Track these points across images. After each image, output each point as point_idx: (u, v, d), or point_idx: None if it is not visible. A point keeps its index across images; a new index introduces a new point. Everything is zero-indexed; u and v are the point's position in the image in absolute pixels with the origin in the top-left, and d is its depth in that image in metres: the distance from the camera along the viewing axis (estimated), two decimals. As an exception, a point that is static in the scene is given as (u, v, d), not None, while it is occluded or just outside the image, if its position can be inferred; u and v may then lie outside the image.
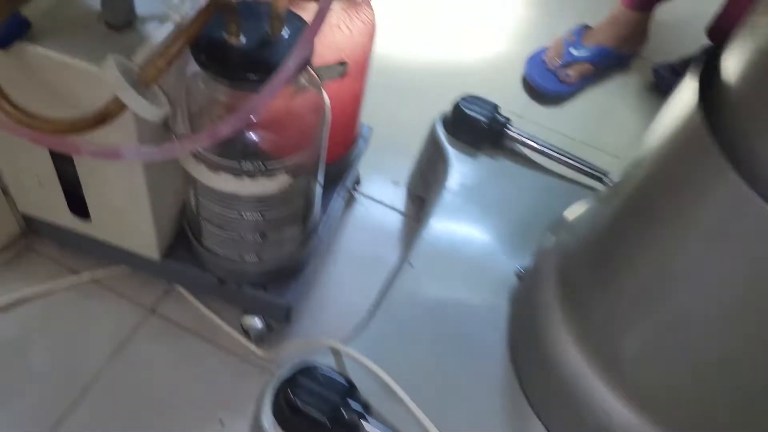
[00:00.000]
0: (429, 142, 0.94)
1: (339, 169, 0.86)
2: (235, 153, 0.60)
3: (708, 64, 0.50)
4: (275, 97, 0.56)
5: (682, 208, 0.48)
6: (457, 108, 0.90)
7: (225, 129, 0.54)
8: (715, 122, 0.45)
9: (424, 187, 0.94)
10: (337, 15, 0.69)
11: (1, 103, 0.52)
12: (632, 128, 1.20)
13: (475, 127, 0.89)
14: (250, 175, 0.61)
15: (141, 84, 0.50)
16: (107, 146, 0.55)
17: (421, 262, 0.77)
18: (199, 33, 0.55)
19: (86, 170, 0.67)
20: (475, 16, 1.36)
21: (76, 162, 0.66)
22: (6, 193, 0.75)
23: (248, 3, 0.61)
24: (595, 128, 1.18)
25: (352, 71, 0.73)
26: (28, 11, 0.56)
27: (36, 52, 0.55)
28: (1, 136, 0.66)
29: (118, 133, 0.59)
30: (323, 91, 0.65)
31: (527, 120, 1.16)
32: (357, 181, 0.99)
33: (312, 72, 0.64)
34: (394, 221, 0.98)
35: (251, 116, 0.54)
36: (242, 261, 0.71)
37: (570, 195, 0.82)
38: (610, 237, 0.61)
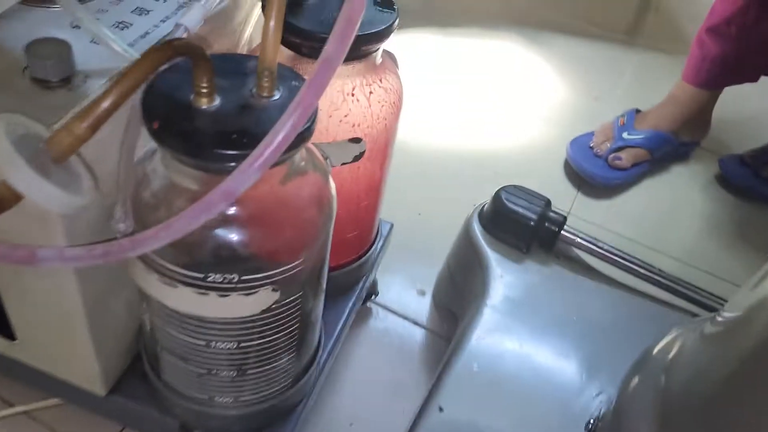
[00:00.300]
0: (462, 242, 0.76)
1: (351, 276, 0.68)
2: (201, 259, 0.43)
3: None
4: (257, 183, 0.40)
5: None
6: (498, 200, 0.73)
7: (179, 228, 0.37)
8: None
9: (455, 299, 0.76)
10: (352, 81, 0.53)
11: None
12: (700, 228, 1.02)
13: (521, 226, 0.72)
14: (220, 291, 0.43)
15: (51, 160, 0.33)
16: (19, 248, 0.39)
17: (453, 404, 0.58)
18: (153, 92, 0.40)
19: (5, 279, 0.50)
20: (512, 98, 1.21)
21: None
22: None
23: (227, 56, 0.45)
24: (654, 228, 1.00)
25: (370, 153, 0.56)
26: None
27: None
28: None
29: (41, 229, 0.43)
30: (329, 177, 0.48)
31: (573, 216, 0.98)
32: (375, 290, 0.80)
33: (315, 151, 0.48)
34: (418, 339, 0.79)
35: (219, 209, 0.37)
36: (212, 403, 0.53)
37: (650, 316, 0.63)
38: (734, 395, 0.42)
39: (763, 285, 0.41)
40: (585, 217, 0.99)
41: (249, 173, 0.36)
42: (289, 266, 0.44)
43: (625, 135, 1.05)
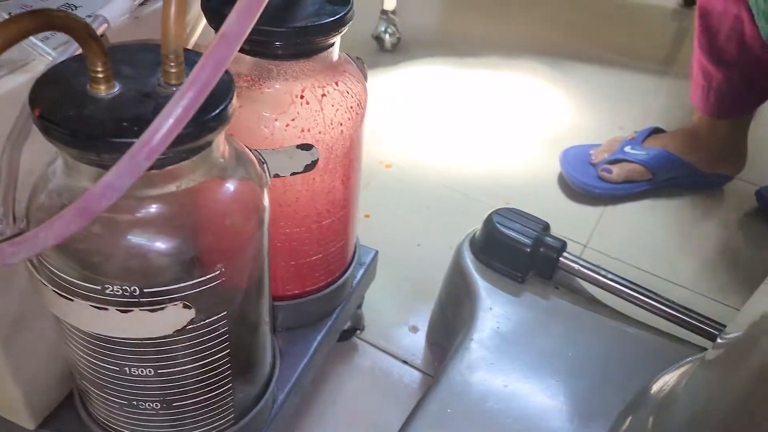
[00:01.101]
0: (453, 272, 0.69)
1: (321, 305, 0.62)
2: (102, 268, 0.37)
3: None
4: (159, 180, 0.35)
5: None
6: (489, 225, 0.66)
7: (61, 227, 0.32)
8: None
9: (446, 335, 0.69)
10: (301, 82, 0.48)
11: None
12: (737, 264, 0.92)
13: (516, 252, 0.64)
14: (121, 305, 0.38)
15: None
16: None
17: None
18: (45, 78, 0.35)
19: None
20: (531, 128, 1.15)
21: None
22: None
23: (139, 44, 0.41)
24: (677, 263, 0.91)
25: (326, 162, 0.51)
26: None
27: None
28: None
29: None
30: (263, 185, 0.43)
31: (591, 248, 0.90)
32: (359, 325, 0.74)
33: (246, 153, 0.43)
34: (409, 380, 0.72)
35: (103, 206, 0.32)
36: (142, 440, 0.47)
37: (657, 353, 0.55)
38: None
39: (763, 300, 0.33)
40: (596, 247, 0.90)
41: (131, 166, 0.31)
42: (202, 279, 0.38)
43: (627, 149, 0.98)
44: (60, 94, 0.35)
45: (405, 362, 0.73)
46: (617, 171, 0.97)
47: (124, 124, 0.34)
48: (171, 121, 0.31)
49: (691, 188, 1.01)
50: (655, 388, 0.44)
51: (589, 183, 0.97)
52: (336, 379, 0.70)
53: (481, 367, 0.57)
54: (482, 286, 0.64)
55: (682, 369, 0.43)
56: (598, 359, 0.58)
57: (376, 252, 0.69)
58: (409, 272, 0.83)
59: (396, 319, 0.77)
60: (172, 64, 0.36)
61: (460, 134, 1.11)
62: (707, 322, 0.60)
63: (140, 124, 0.33)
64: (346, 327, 0.71)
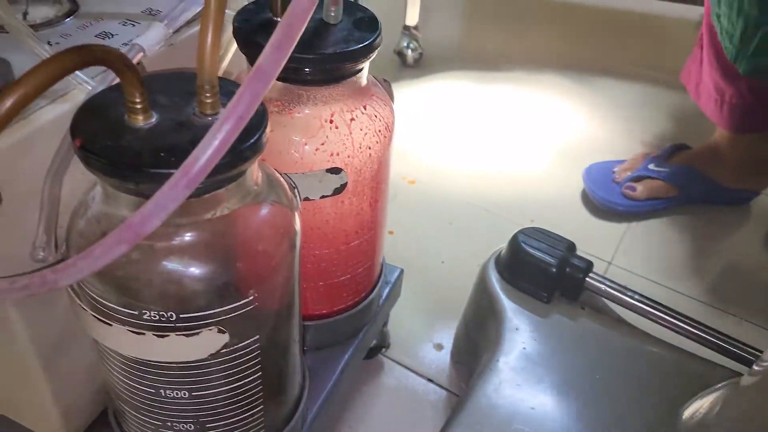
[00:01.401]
0: (478, 291, 0.69)
1: (349, 324, 0.62)
2: (140, 294, 0.38)
3: None
4: (196, 208, 0.36)
5: None
6: (515, 244, 0.66)
7: (102, 254, 0.33)
8: None
9: (470, 354, 0.69)
10: (330, 107, 0.49)
11: None
12: (766, 282, 0.91)
13: (542, 272, 0.64)
14: (158, 330, 0.38)
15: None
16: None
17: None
18: (85, 109, 0.37)
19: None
20: (554, 143, 1.15)
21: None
22: None
23: (174, 73, 0.42)
24: (702, 279, 0.90)
25: (355, 185, 0.52)
26: None
27: None
28: None
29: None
30: (295, 209, 0.44)
31: (615, 266, 0.90)
32: (385, 342, 0.74)
33: (278, 178, 0.44)
34: (433, 398, 0.72)
35: (144, 233, 0.33)
36: (175, 460, 0.47)
37: (687, 376, 0.54)
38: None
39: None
40: (626, 267, 0.90)
41: (171, 195, 0.32)
42: (236, 304, 0.39)
43: (650, 166, 0.97)
44: (99, 124, 0.36)
45: (430, 380, 0.73)
46: (641, 189, 0.96)
47: (162, 154, 0.35)
48: (209, 152, 0.32)
49: (717, 204, 1.01)
50: (687, 414, 0.44)
51: (612, 200, 0.97)
52: (362, 397, 0.70)
53: (508, 388, 0.58)
54: (508, 306, 0.64)
55: (715, 395, 0.43)
56: (626, 382, 0.58)
57: (401, 270, 0.70)
58: (433, 289, 0.83)
59: (420, 336, 0.78)
60: (208, 94, 0.37)
61: (482, 150, 1.12)
62: (740, 345, 0.59)
63: (178, 154, 0.34)
64: (372, 345, 0.71)
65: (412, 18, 1.30)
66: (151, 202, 0.32)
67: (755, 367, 0.38)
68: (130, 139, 0.35)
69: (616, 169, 1.01)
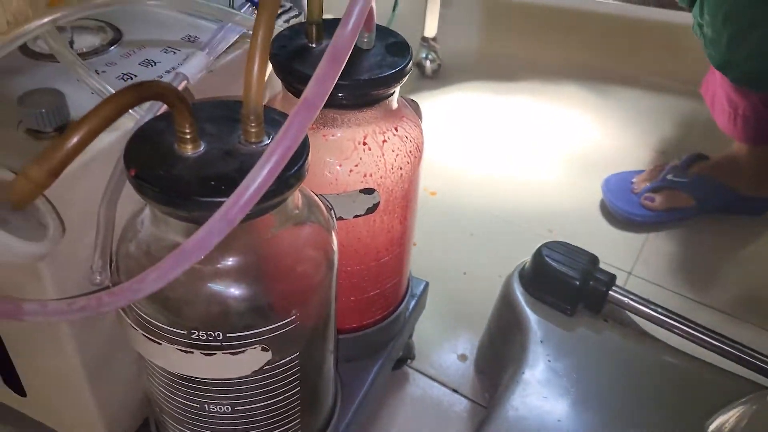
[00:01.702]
0: (502, 304, 0.71)
1: (378, 338, 0.64)
2: (188, 315, 0.40)
3: None
4: (243, 233, 0.37)
5: None
6: (539, 258, 0.67)
7: (154, 280, 0.35)
8: None
9: (495, 365, 0.70)
10: (363, 129, 0.51)
11: None
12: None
13: (565, 286, 0.66)
14: (205, 349, 0.40)
15: (11, 204, 0.32)
16: (6, 301, 0.38)
17: (481, 483, 0.52)
18: (137, 139, 0.38)
19: (8, 331, 0.49)
20: (572, 153, 1.16)
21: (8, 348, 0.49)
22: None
23: (220, 102, 0.44)
24: (722, 289, 0.91)
25: (386, 204, 0.53)
26: None
27: None
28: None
29: (29, 280, 0.42)
30: (332, 229, 0.45)
31: (635, 276, 0.91)
32: (411, 354, 0.76)
33: (315, 200, 0.45)
34: (457, 407, 0.73)
35: (195, 259, 0.35)
36: (216, 471, 0.49)
37: (711, 388, 0.56)
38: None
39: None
40: (646, 277, 0.91)
41: (222, 223, 0.34)
42: (279, 323, 0.41)
43: (669, 176, 0.98)
44: (151, 154, 0.38)
45: (455, 391, 0.75)
46: (660, 199, 0.97)
47: (212, 183, 0.36)
48: (259, 181, 0.34)
49: (736, 214, 1.01)
50: (712, 428, 0.45)
51: (631, 211, 0.98)
52: (389, 407, 0.72)
53: (535, 400, 0.59)
54: (533, 318, 0.66)
55: (741, 408, 0.44)
56: (650, 395, 0.59)
57: (427, 283, 0.71)
58: (456, 300, 0.85)
59: (445, 347, 0.79)
60: (253, 124, 0.39)
61: (501, 161, 1.13)
62: (762, 357, 0.60)
63: (226, 183, 0.36)
64: (398, 356, 0.73)
65: (431, 30, 1.32)
66: (204, 228, 0.34)
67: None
68: (180, 167, 0.37)
69: (634, 180, 1.02)
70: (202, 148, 0.39)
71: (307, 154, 0.39)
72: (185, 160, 0.38)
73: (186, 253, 0.35)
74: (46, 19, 0.42)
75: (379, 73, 0.48)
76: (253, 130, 0.39)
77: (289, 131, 0.35)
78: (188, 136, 0.38)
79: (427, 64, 1.33)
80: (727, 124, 0.95)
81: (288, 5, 0.61)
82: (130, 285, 0.36)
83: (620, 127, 1.23)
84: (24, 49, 0.50)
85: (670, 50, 1.48)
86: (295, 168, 0.38)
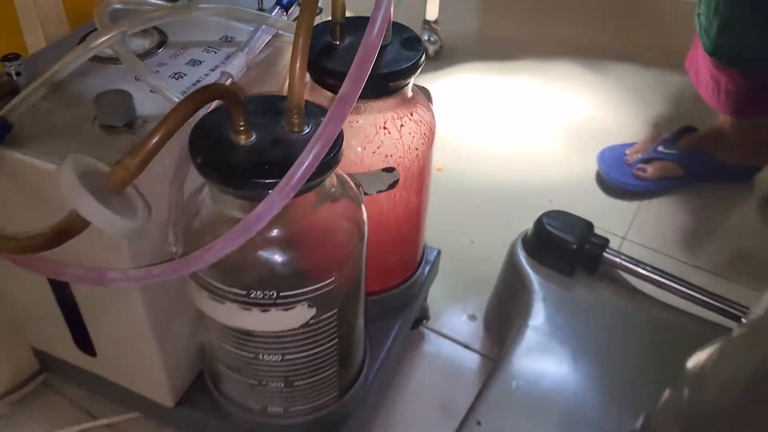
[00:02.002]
0: (508, 267, 0.78)
1: (399, 298, 0.72)
2: (246, 278, 0.48)
3: None
4: (290, 208, 0.45)
5: None
6: (540, 226, 0.75)
7: (221, 249, 0.43)
8: None
9: (502, 323, 0.78)
10: (384, 115, 0.58)
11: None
12: (760, 251, 1.00)
13: (564, 250, 0.74)
14: (261, 306, 0.48)
15: (108, 190, 0.40)
16: (93, 270, 0.45)
17: (491, 419, 0.60)
18: (199, 130, 0.46)
19: (84, 299, 0.57)
20: (569, 127, 1.23)
21: (72, 288, 0.56)
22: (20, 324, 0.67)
23: (264, 97, 0.51)
24: (709, 251, 0.99)
25: (404, 181, 0.61)
26: (16, 116, 0.48)
27: (13, 157, 0.46)
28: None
29: (111, 254, 0.49)
30: (362, 203, 0.53)
31: (629, 241, 0.99)
32: (426, 315, 0.84)
33: (347, 179, 0.53)
34: (469, 362, 0.81)
35: (254, 231, 0.42)
36: (266, 413, 0.57)
37: (694, 336, 0.63)
38: (750, 401, 0.42)
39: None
40: (640, 242, 0.99)
41: (277, 200, 0.42)
42: (322, 284, 0.49)
43: (660, 148, 1.06)
44: (211, 144, 0.45)
45: (466, 347, 0.83)
46: (651, 170, 1.05)
47: (266, 167, 0.44)
48: (306, 164, 0.42)
49: (722, 181, 1.09)
50: (690, 364, 0.53)
51: (624, 181, 1.05)
52: (408, 362, 0.80)
53: (537, 350, 0.67)
54: (535, 280, 0.73)
55: (713, 347, 0.52)
56: (640, 342, 0.67)
57: (439, 251, 0.79)
58: (465, 267, 0.93)
59: (456, 309, 0.87)
60: (296, 117, 0.46)
61: (503, 136, 1.20)
62: (733, 305, 0.68)
63: (278, 167, 0.43)
64: (415, 317, 0.81)
65: (432, 13, 1.38)
66: (262, 205, 0.42)
67: (743, 320, 0.47)
68: (238, 155, 0.45)
69: (627, 152, 1.09)
70: (253, 137, 0.46)
71: (342, 142, 0.47)
72: (241, 148, 0.45)
73: (248, 225, 0.42)
74: (115, 32, 0.49)
75: (396, 67, 0.55)
76: (296, 121, 0.46)
77: (330, 123, 0.42)
78: (242, 128, 0.45)
79: (429, 45, 1.39)
80: (712, 98, 1.02)
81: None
82: (201, 253, 0.44)
83: (614, 101, 1.30)
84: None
85: (663, 25, 1.54)
86: (334, 153, 0.45)
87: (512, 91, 1.33)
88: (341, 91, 0.42)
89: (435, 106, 0.61)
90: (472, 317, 0.86)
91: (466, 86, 1.33)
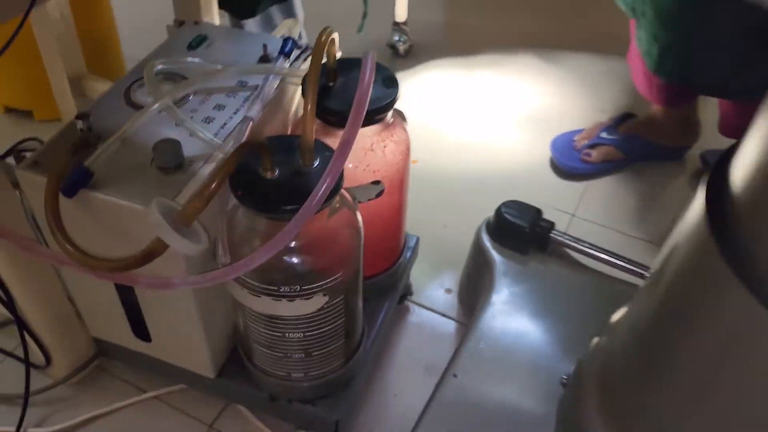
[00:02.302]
0: (475, 249, 0.95)
1: (387, 280, 0.88)
2: (275, 277, 0.64)
3: (719, 169, 0.50)
4: (308, 224, 0.60)
5: (699, 318, 0.47)
6: (499, 214, 0.92)
7: (259, 258, 0.58)
8: (723, 232, 0.45)
9: (473, 295, 0.95)
10: (371, 139, 0.74)
11: (65, 247, 0.59)
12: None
13: (519, 233, 0.90)
14: (288, 297, 0.64)
15: (181, 223, 0.55)
16: (160, 278, 0.61)
17: (465, 372, 0.77)
18: (235, 170, 0.61)
19: (145, 298, 0.72)
20: (528, 118, 1.39)
21: (136, 291, 0.72)
22: (80, 318, 0.82)
23: (280, 137, 0.66)
24: (648, 223, 1.17)
25: (389, 188, 0.76)
26: (94, 165, 0.63)
27: (97, 198, 0.61)
28: (73, 270, 0.73)
29: (169, 265, 0.65)
30: (357, 211, 0.69)
31: (579, 218, 1.16)
32: (409, 291, 1.01)
33: (346, 194, 0.69)
34: (447, 328, 0.99)
35: (285, 244, 0.58)
36: (290, 378, 0.74)
37: (623, 297, 0.81)
38: (645, 341, 0.59)
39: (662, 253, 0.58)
40: (588, 218, 1.16)
41: (300, 220, 0.57)
42: (333, 278, 0.65)
43: (602, 134, 1.23)
44: (245, 179, 0.61)
45: (444, 315, 1.00)
46: (596, 154, 1.22)
47: (289, 196, 0.59)
48: (321, 192, 0.57)
49: (658, 160, 1.26)
50: (612, 318, 0.70)
51: (573, 165, 1.22)
52: (397, 331, 0.97)
53: (500, 316, 0.84)
54: (497, 259, 0.90)
55: (628, 302, 0.69)
56: (582, 304, 0.84)
57: (418, 238, 0.95)
58: (440, 248, 1.09)
59: (434, 284, 1.04)
60: (308, 155, 0.61)
61: (469, 129, 1.36)
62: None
63: (299, 194, 0.59)
64: (401, 294, 0.98)
65: (401, 15, 1.52)
66: (291, 223, 0.58)
67: (646, 274, 0.63)
68: (267, 186, 0.60)
69: (575, 138, 1.26)
70: (277, 172, 0.61)
71: (343, 173, 0.62)
72: (269, 182, 0.60)
73: (279, 239, 0.58)
74: (167, 99, 0.64)
75: (380, 104, 0.71)
76: (308, 157, 0.62)
77: (336, 161, 0.58)
78: (268, 167, 0.61)
79: (400, 45, 1.53)
80: (646, 91, 1.18)
81: (305, 45, 0.82)
82: (245, 262, 0.59)
83: (568, 91, 1.46)
84: (128, 99, 0.72)
85: (613, 17, 1.69)
86: (339, 182, 0.61)
87: (476, 84, 1.48)
88: (343, 137, 0.58)
89: (408, 101, 0.75)
90: (448, 291, 1.03)
91: (435, 82, 1.49)
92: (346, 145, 0.58)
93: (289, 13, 1.17)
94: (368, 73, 0.59)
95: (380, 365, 0.94)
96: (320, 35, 0.63)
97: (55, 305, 0.79)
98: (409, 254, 0.93)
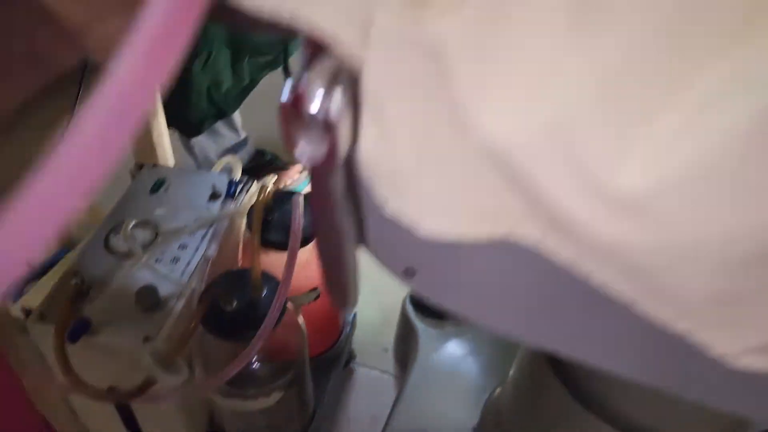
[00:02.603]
0: (402, 318, 1.16)
1: (332, 355, 1.08)
2: (240, 383, 0.83)
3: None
4: (263, 340, 0.79)
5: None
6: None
7: (228, 372, 0.78)
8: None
9: (403, 353, 1.16)
10: (305, 254, 0.93)
11: (73, 381, 0.76)
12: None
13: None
14: (252, 397, 0.83)
15: (167, 362, 0.74)
16: (151, 395, 0.79)
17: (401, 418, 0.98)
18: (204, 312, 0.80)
19: (141, 411, 0.90)
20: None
21: (132, 406, 0.90)
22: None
23: (234, 273, 0.85)
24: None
25: (321, 295, 0.96)
26: (90, 312, 0.81)
27: (95, 341, 0.79)
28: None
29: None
30: (300, 315, 0.88)
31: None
32: (353, 356, 1.20)
33: (290, 305, 0.88)
34: (386, 383, 1.19)
35: (250, 359, 0.77)
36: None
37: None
38: (522, 400, 0.81)
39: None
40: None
41: (259, 341, 0.77)
42: (286, 376, 0.84)
43: None
44: (211, 313, 0.80)
45: (384, 372, 1.20)
46: None
47: (247, 322, 0.78)
48: (271, 319, 0.77)
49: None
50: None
51: None
52: (344, 389, 1.17)
53: (425, 372, 1.05)
54: (419, 325, 1.11)
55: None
56: (492, 355, 1.06)
57: (355, 313, 1.15)
58: (373, 317, 1.29)
59: (374, 346, 1.24)
60: (257, 286, 0.81)
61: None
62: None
63: (257, 321, 0.78)
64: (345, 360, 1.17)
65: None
66: (251, 345, 0.77)
67: None
68: (228, 316, 0.79)
69: None
70: (234, 303, 0.80)
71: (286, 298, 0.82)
72: (229, 313, 0.79)
73: (244, 357, 0.77)
74: (145, 257, 0.83)
75: (311, 230, 0.90)
76: (257, 288, 0.81)
77: (281, 292, 0.77)
78: (228, 302, 0.80)
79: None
80: None
81: (242, 137, 1.00)
82: (220, 376, 0.78)
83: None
84: (108, 246, 0.89)
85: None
86: (285, 306, 0.80)
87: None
88: (283, 275, 0.77)
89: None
90: (386, 350, 1.23)
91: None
92: (287, 283, 0.77)
93: (231, 124, 1.34)
94: (297, 219, 0.79)
95: (333, 420, 1.13)
96: (259, 193, 0.83)
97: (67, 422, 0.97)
98: (348, 329, 1.13)
